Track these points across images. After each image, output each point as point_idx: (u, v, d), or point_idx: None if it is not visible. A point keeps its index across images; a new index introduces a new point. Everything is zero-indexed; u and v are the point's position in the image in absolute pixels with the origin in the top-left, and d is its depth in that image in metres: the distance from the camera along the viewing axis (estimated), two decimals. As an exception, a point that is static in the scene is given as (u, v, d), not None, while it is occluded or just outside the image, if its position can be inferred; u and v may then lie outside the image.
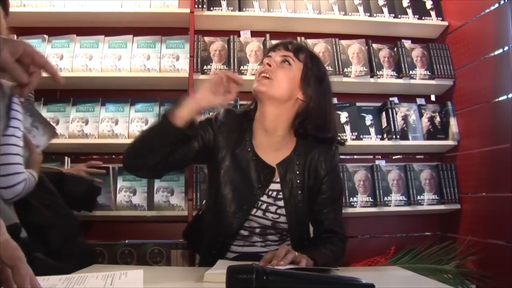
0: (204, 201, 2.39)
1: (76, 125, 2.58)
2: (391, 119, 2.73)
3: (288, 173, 1.53)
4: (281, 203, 1.51)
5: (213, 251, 1.53)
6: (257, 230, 1.53)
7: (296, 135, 1.59)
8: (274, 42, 2.73)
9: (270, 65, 1.52)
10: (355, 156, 3.02)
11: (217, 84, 1.45)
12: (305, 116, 1.54)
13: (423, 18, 2.92)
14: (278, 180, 1.53)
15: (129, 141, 2.48)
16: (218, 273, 1.09)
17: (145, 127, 2.56)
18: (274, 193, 1.52)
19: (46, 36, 2.66)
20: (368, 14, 2.87)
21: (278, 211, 1.51)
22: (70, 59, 2.64)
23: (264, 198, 1.52)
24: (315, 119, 1.54)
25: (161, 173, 1.59)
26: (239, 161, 1.54)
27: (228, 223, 1.50)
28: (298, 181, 1.53)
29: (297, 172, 1.53)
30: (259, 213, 1.51)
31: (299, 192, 1.52)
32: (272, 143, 1.56)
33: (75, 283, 0.92)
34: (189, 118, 1.40)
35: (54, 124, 2.55)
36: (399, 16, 2.90)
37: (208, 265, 1.51)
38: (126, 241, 2.65)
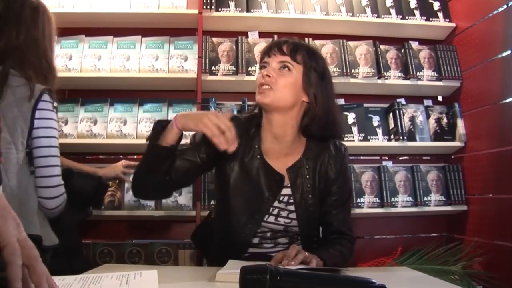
0: (213, 205, 2.40)
1: (84, 125, 2.60)
2: (398, 120, 2.74)
3: (298, 178, 1.51)
4: (292, 207, 1.51)
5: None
6: (268, 234, 1.53)
7: (304, 136, 1.57)
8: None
9: (269, 76, 1.46)
10: (362, 157, 3.03)
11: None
12: (312, 117, 1.49)
13: (431, 19, 2.93)
14: (288, 185, 1.51)
15: (137, 141, 2.55)
16: (230, 272, 1.09)
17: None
18: (286, 198, 1.51)
19: (55, 37, 2.67)
20: (376, 15, 2.87)
21: (290, 215, 1.51)
22: (79, 59, 2.66)
23: (276, 203, 1.51)
24: (320, 119, 1.49)
25: (168, 192, 1.59)
26: (249, 170, 1.52)
27: (241, 233, 1.50)
28: (308, 185, 1.51)
29: (307, 176, 1.52)
30: (271, 218, 1.51)
31: (310, 196, 1.51)
32: (282, 149, 1.53)
33: (90, 283, 0.94)
34: (173, 140, 1.39)
35: (63, 125, 2.57)
36: (407, 17, 2.90)
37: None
38: (134, 241, 2.66)
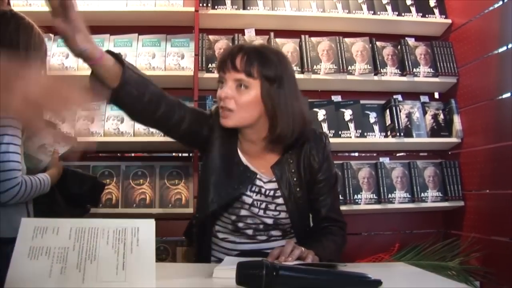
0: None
1: (82, 124, 2.59)
2: (395, 116, 2.75)
3: (284, 174, 1.53)
4: (279, 200, 1.53)
5: (193, 235, 1.59)
6: (261, 227, 1.55)
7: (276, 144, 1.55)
8: (278, 40, 2.76)
9: (227, 97, 1.42)
10: (359, 154, 3.04)
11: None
12: (274, 129, 1.46)
13: (427, 16, 2.93)
14: (274, 179, 1.53)
15: (134, 139, 2.55)
16: (227, 268, 1.10)
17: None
18: (272, 192, 1.53)
19: (51, 35, 2.66)
20: (372, 12, 2.88)
21: (278, 208, 1.53)
22: (76, 57, 2.65)
23: (262, 197, 1.53)
24: (284, 127, 1.45)
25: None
26: (226, 157, 1.55)
27: (205, 206, 1.52)
28: (295, 179, 1.53)
29: (293, 171, 1.54)
30: (261, 212, 1.53)
31: (298, 189, 1.53)
32: (261, 149, 1.54)
33: (85, 253, 0.93)
34: (110, 69, 1.28)
35: (59, 123, 2.57)
36: (403, 14, 2.91)
37: (202, 256, 1.59)
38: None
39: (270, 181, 1.54)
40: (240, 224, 1.55)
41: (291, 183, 1.53)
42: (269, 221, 1.54)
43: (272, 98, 1.44)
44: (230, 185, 1.52)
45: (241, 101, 1.42)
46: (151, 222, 1.01)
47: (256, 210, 1.53)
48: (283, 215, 1.54)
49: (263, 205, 1.53)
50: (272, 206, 1.53)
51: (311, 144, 1.56)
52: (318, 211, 1.58)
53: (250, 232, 1.56)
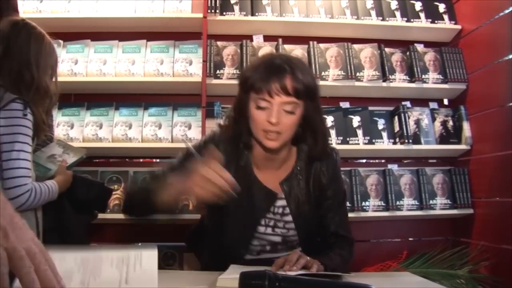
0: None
1: (90, 129, 2.61)
2: (404, 123, 2.73)
3: (292, 190, 1.51)
4: (287, 218, 1.51)
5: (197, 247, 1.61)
6: (268, 248, 1.54)
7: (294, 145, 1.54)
8: (286, 46, 2.76)
9: (278, 122, 1.34)
10: (367, 160, 3.02)
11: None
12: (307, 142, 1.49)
13: (436, 22, 2.92)
14: (283, 196, 1.51)
15: (142, 145, 2.56)
16: (231, 278, 1.10)
17: (158, 131, 2.60)
18: (280, 209, 1.51)
19: (61, 41, 2.70)
20: (381, 18, 2.87)
21: (286, 225, 1.51)
22: (84, 63, 2.68)
23: (270, 215, 1.51)
24: (312, 140, 1.48)
25: None
26: (241, 185, 1.41)
27: (234, 245, 1.51)
28: (303, 195, 1.52)
29: (302, 187, 1.52)
30: (269, 230, 1.52)
31: (306, 205, 1.52)
32: (273, 164, 1.53)
33: (90, 272, 0.93)
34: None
35: (68, 128, 2.60)
36: (412, 20, 2.90)
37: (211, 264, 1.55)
38: (140, 244, 2.67)
39: (278, 198, 1.52)
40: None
41: (299, 199, 1.51)
42: (277, 239, 1.52)
43: (313, 114, 1.43)
44: (253, 212, 1.50)
45: (288, 122, 1.37)
46: (154, 251, 1.02)
47: (263, 228, 1.51)
48: (291, 232, 1.52)
49: (271, 223, 1.52)
50: (280, 224, 1.52)
51: (322, 161, 1.55)
52: (326, 227, 1.55)
53: (254, 254, 1.54)
